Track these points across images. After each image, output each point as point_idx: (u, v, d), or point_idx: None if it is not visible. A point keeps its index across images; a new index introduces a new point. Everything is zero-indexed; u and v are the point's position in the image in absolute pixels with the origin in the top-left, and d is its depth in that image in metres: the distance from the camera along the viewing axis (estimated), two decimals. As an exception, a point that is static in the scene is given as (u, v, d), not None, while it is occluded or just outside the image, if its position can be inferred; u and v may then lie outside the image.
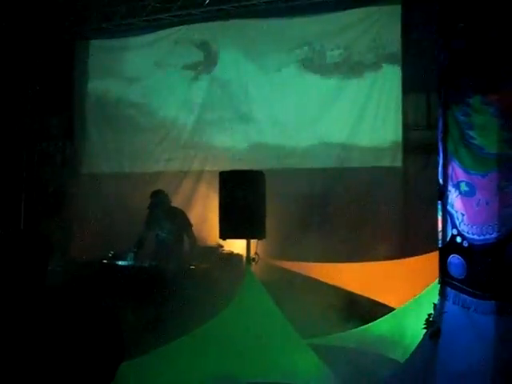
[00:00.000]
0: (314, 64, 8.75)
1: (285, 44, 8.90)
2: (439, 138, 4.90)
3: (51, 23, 9.77)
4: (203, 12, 9.17)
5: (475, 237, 4.58)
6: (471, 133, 4.72)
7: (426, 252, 6.43)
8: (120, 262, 7.35)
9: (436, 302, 4.80)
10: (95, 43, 10.20)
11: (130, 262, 7.38)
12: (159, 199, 7.83)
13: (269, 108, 8.92)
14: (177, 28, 9.58)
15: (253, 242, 6.75)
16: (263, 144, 8.96)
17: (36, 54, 10.08)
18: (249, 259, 6.60)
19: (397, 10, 8.24)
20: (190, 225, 7.80)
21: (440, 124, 4.91)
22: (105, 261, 7.38)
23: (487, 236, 4.53)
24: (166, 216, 7.82)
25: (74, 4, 9.46)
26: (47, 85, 10.11)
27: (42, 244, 2.41)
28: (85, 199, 9.93)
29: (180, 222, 7.81)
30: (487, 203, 4.53)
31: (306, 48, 8.80)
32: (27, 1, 9.13)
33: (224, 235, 6.87)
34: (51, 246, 2.45)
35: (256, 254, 6.71)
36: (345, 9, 8.55)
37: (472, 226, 4.64)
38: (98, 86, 10.13)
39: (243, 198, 6.59)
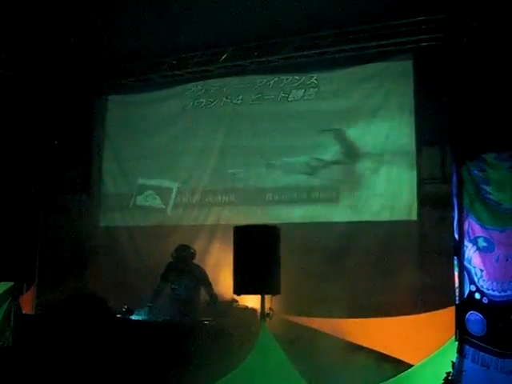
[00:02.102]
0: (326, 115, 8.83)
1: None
2: (454, 193, 4.89)
3: (72, 78, 9.99)
4: (218, 68, 9.36)
5: (495, 293, 4.53)
6: (487, 188, 4.72)
7: (442, 307, 6.33)
8: (134, 317, 7.28)
9: (454, 359, 4.70)
10: (113, 98, 10.40)
11: (144, 317, 7.31)
12: (185, 253, 7.84)
13: (283, 161, 8.98)
14: (193, 84, 9.76)
15: (267, 297, 6.69)
16: (278, 198, 8.98)
17: (55, 109, 10.27)
18: (263, 315, 6.53)
19: (408, 65, 8.36)
20: (210, 283, 7.74)
21: (454, 179, 4.91)
22: (118, 315, 7.30)
23: (508, 292, 4.47)
24: (187, 271, 7.81)
25: (94, 61, 9.67)
26: (66, 139, 10.27)
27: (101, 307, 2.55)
28: (101, 252, 9.97)
29: (200, 279, 7.77)
30: (507, 259, 4.49)
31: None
32: (49, 57, 9.33)
33: (238, 291, 6.80)
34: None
35: (270, 309, 6.63)
36: (356, 65, 8.67)
37: (492, 282, 4.59)
38: (114, 139, 10.27)
39: (258, 253, 6.56)
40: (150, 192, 9.87)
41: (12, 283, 7.99)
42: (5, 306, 7.70)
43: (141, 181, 9.94)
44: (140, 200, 9.89)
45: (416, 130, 8.26)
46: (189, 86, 9.81)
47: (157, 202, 9.81)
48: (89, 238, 10.12)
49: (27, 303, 9.38)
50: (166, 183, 9.79)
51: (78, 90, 10.17)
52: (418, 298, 7.69)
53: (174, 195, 9.72)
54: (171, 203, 9.71)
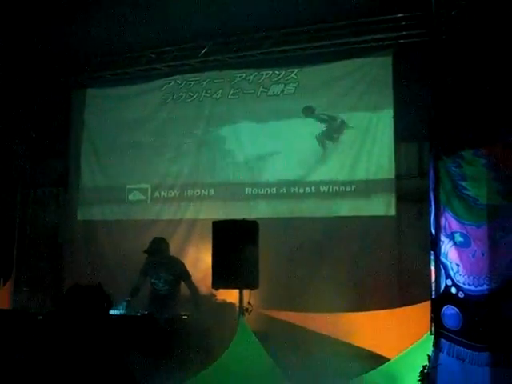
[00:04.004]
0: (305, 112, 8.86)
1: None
2: (431, 188, 4.94)
3: (49, 71, 9.89)
4: (198, 62, 9.33)
5: (472, 287, 4.58)
6: (464, 184, 4.77)
7: (420, 302, 6.40)
8: (112, 311, 7.22)
9: (430, 353, 4.75)
10: (91, 91, 10.31)
11: (123, 311, 7.27)
12: (160, 247, 7.77)
13: (262, 156, 8.99)
14: (172, 78, 9.72)
15: (246, 291, 6.71)
16: (257, 193, 8.99)
17: (33, 101, 10.17)
18: (242, 310, 6.54)
19: (388, 61, 8.41)
20: (189, 276, 7.68)
21: (431, 174, 4.96)
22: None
23: (484, 287, 4.54)
24: (164, 265, 7.75)
25: (72, 53, 9.58)
26: (43, 131, 10.18)
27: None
28: (78, 246, 9.91)
29: (178, 272, 7.72)
30: (483, 254, 4.56)
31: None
32: (26, 49, 9.22)
33: (216, 285, 6.82)
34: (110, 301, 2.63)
35: (249, 303, 6.65)
36: (336, 60, 8.71)
37: (468, 277, 4.65)
38: (92, 133, 10.20)
39: (236, 248, 6.57)
40: (128, 187, 9.82)
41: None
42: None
43: (119, 175, 9.89)
44: (118, 194, 9.82)
45: (394, 126, 8.33)
46: (168, 80, 9.76)
47: (135, 197, 9.77)
48: (66, 231, 10.05)
49: (4, 298, 9.31)
50: (144, 177, 9.74)
51: (56, 82, 10.07)
52: (395, 292, 7.76)
53: (152, 189, 9.68)
54: (149, 197, 9.67)
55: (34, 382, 2.32)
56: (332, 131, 8.70)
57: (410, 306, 7.00)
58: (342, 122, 8.67)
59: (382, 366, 6.43)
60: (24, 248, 10.15)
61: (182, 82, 9.68)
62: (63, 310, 2.49)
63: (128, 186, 9.79)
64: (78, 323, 2.43)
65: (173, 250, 8.05)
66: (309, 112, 8.84)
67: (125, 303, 7.39)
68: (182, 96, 9.66)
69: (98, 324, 2.45)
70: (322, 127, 8.76)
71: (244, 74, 9.33)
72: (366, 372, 6.47)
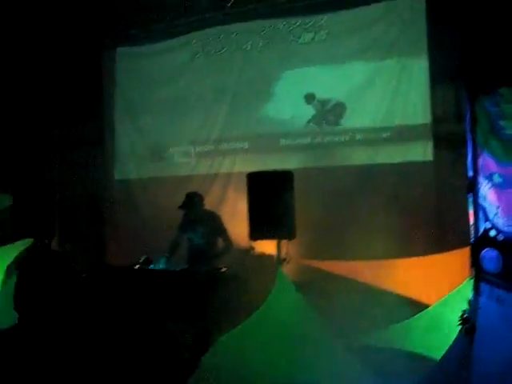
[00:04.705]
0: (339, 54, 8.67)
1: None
2: (467, 129, 4.80)
3: (78, 31, 9.88)
4: (225, 14, 9.19)
5: (511, 229, 4.47)
6: (502, 123, 4.62)
7: (460, 247, 6.30)
8: (151, 267, 7.34)
9: (470, 297, 4.69)
10: (121, 51, 10.28)
11: (162, 267, 7.37)
12: (193, 201, 7.79)
13: (295, 106, 8.88)
14: (202, 31, 9.59)
15: (283, 242, 6.71)
16: (291, 144, 8.91)
17: (65, 63, 10.20)
18: (279, 260, 6.55)
19: (420, 2, 8.13)
20: (224, 229, 7.74)
21: (468, 115, 4.80)
22: (136, 266, 7.37)
23: (524, 228, 4.43)
24: (200, 219, 7.79)
25: (100, 12, 9.54)
26: (77, 93, 10.23)
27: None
28: (117, 205, 10.05)
29: (214, 225, 7.76)
30: (523, 195, 4.43)
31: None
32: (55, 12, 9.22)
33: (253, 236, 6.82)
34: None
35: (287, 254, 6.66)
36: (369, 3, 8.47)
37: (508, 219, 4.53)
38: (125, 92, 10.21)
39: (272, 199, 6.55)
40: (163, 143, 9.84)
41: (32, 240, 8.07)
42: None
43: (153, 132, 9.91)
44: (153, 152, 9.87)
45: (430, 69, 8.09)
46: (197, 34, 9.64)
47: (170, 154, 9.80)
48: (104, 191, 10.18)
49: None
50: (178, 133, 9.74)
51: (86, 42, 10.06)
52: (434, 239, 7.66)
53: (187, 145, 9.69)
54: (184, 153, 9.67)
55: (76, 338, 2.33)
56: (366, 77, 8.51)
57: (449, 252, 6.90)
58: (376, 67, 8.46)
59: (422, 313, 6.41)
60: (65, 210, 10.32)
61: (210, 36, 9.56)
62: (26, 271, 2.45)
63: (162, 143, 9.82)
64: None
65: (209, 205, 8.07)
66: (340, 59, 8.66)
67: (164, 259, 7.48)
68: (211, 50, 9.56)
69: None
70: (356, 74, 8.57)
71: (273, 24, 9.14)
72: (407, 318, 6.47)
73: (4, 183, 9.44)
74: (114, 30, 9.99)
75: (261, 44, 9.23)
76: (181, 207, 7.79)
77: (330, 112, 8.69)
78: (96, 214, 10.20)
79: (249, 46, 9.31)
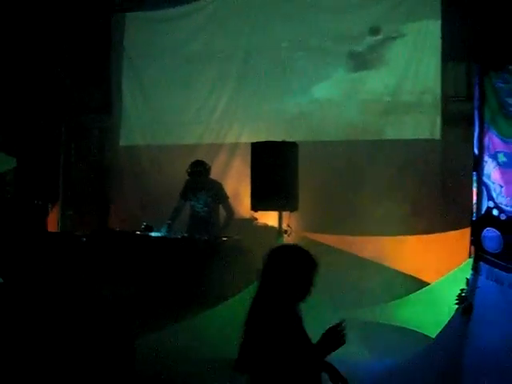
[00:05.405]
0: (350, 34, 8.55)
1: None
2: (475, 106, 4.71)
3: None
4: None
5: (514, 209, 4.42)
6: (510, 100, 4.53)
7: (464, 226, 6.25)
8: (153, 234, 7.35)
9: (469, 276, 4.66)
10: (131, 16, 10.14)
11: (163, 234, 7.37)
12: (200, 169, 7.76)
13: (305, 77, 8.80)
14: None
15: (285, 214, 6.68)
16: (298, 115, 8.83)
17: (73, 28, 10.10)
18: (280, 231, 6.53)
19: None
20: (226, 197, 7.75)
21: (476, 92, 4.71)
22: (138, 232, 7.38)
23: (527, 209, 4.37)
24: (204, 187, 7.78)
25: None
26: (84, 58, 10.13)
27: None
28: (122, 171, 10.01)
29: (217, 194, 7.76)
30: (528, 175, 4.37)
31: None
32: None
33: (255, 207, 6.80)
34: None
35: (288, 226, 6.63)
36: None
37: (511, 199, 4.48)
38: (133, 58, 10.10)
39: (275, 170, 6.50)
40: (170, 110, 9.76)
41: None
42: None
43: (160, 99, 9.82)
44: (160, 118, 9.79)
45: (442, 45, 7.96)
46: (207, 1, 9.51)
47: (177, 120, 9.71)
48: (110, 157, 10.14)
49: (52, 222, 9.57)
50: (186, 101, 9.65)
51: (95, 6, 9.93)
52: (438, 217, 7.61)
53: (194, 113, 9.61)
54: (191, 121, 9.59)
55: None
56: (377, 49, 8.39)
57: (452, 231, 6.88)
58: (388, 39, 8.33)
59: (422, 290, 6.40)
60: (69, 174, 10.32)
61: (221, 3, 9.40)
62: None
63: (170, 110, 9.73)
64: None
65: (215, 174, 8.05)
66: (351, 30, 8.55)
67: (166, 226, 7.48)
68: (221, 17, 9.41)
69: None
70: (366, 44, 8.45)
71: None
72: (406, 295, 6.46)
73: (9, 146, 9.45)
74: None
75: (272, 15, 9.07)
76: (191, 174, 7.74)
77: None
78: (100, 180, 10.17)
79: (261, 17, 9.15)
